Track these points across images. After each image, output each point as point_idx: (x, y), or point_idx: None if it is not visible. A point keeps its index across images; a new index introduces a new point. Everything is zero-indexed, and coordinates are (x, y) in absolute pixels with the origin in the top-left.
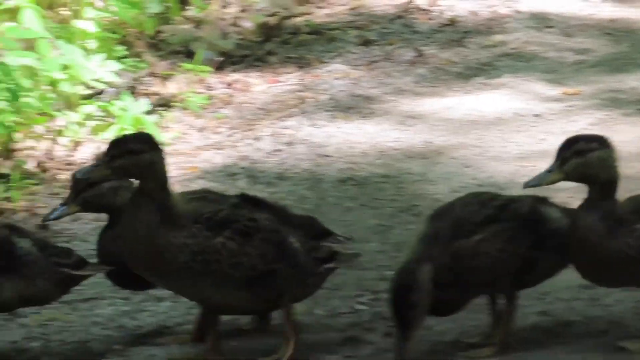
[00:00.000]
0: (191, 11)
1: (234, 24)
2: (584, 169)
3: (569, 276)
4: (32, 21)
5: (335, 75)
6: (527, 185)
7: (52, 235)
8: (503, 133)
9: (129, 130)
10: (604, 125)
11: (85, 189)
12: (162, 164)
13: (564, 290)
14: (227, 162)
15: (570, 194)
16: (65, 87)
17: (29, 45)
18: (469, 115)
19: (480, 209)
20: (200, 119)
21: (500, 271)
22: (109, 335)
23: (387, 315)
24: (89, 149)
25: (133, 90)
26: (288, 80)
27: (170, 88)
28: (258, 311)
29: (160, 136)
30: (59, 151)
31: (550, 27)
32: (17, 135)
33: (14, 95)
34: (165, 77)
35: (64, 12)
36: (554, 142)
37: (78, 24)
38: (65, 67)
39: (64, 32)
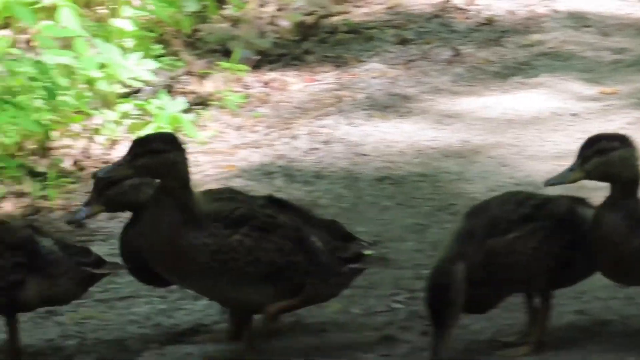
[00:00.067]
0: (228, 10)
1: (271, 23)
2: (606, 167)
3: None
4: (69, 20)
5: (373, 74)
6: (548, 183)
7: (89, 234)
8: (540, 132)
9: (166, 129)
10: None
11: (108, 188)
12: (184, 164)
13: (601, 289)
14: (264, 160)
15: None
16: (102, 86)
17: (66, 43)
18: (506, 114)
19: (517, 208)
20: (238, 117)
21: (535, 270)
22: (145, 333)
23: (423, 313)
24: (126, 148)
25: (170, 89)
26: (325, 79)
27: (207, 87)
28: None
29: (198, 134)
30: (96, 150)
31: (588, 26)
32: (54, 134)
33: (51, 93)
34: (202, 76)
35: (101, 10)
36: None
37: (115, 22)
38: (102, 66)
39: (101, 30)
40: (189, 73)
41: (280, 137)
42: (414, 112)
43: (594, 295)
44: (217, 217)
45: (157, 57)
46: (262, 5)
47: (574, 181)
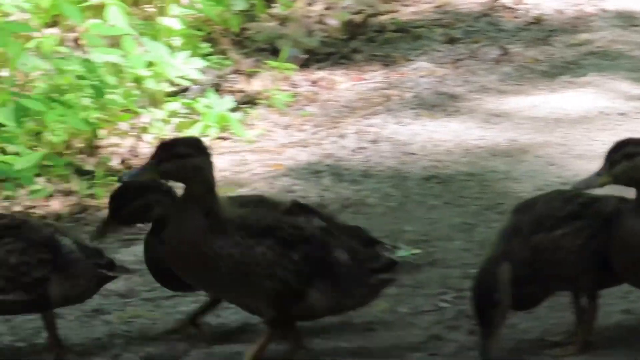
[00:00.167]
0: (276, 8)
1: (319, 22)
2: (633, 172)
3: None
4: (117, 18)
5: (421, 73)
6: (576, 187)
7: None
8: (588, 131)
9: (214, 128)
10: None
11: (120, 209)
12: (209, 169)
13: None
14: (311, 159)
15: None
16: (150, 84)
17: (114, 42)
18: (553, 113)
19: (564, 205)
20: (285, 116)
21: (581, 268)
22: (193, 332)
23: (470, 313)
24: None
25: (218, 88)
26: (373, 78)
27: (255, 85)
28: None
29: (245, 133)
30: (143, 148)
31: (636, 25)
32: (102, 132)
33: (99, 92)
34: (250, 75)
35: (149, 9)
36: None
37: (163, 21)
38: (150, 64)
39: (149, 29)
40: (236, 72)
41: (328, 136)
42: (461, 111)
43: None
44: (242, 226)
45: (205, 56)
46: (310, 4)
47: (602, 186)
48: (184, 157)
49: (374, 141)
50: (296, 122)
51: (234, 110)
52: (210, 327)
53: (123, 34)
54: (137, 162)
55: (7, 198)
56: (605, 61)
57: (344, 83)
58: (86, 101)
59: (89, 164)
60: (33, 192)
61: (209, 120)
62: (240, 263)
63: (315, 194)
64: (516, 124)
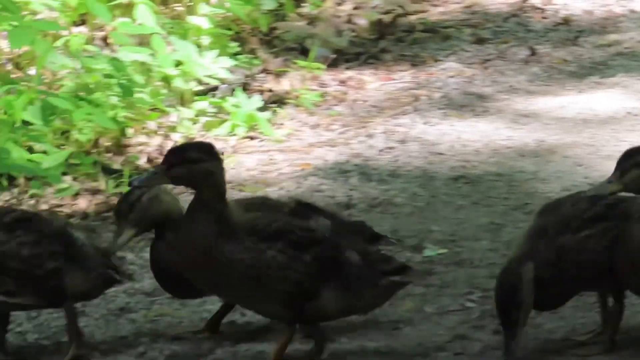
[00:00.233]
0: (305, 8)
1: (348, 21)
2: None
3: None
4: (145, 17)
5: (449, 73)
6: (586, 195)
7: None
8: (616, 132)
9: (242, 127)
10: None
11: (130, 211)
12: (220, 174)
13: None
14: (339, 159)
15: None
16: (178, 83)
17: (142, 41)
18: (582, 114)
19: (590, 207)
20: (314, 116)
21: (606, 269)
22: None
23: (495, 313)
24: None
25: (246, 87)
26: (402, 78)
27: (283, 85)
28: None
29: (274, 133)
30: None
31: None
32: (130, 131)
33: (127, 90)
34: (278, 74)
35: (178, 8)
36: None
37: (192, 20)
38: (178, 63)
39: (178, 28)
40: (265, 71)
41: (356, 135)
42: (490, 111)
43: None
44: (253, 231)
45: (233, 55)
46: (339, 4)
47: (612, 194)
48: (195, 161)
49: (402, 141)
50: (324, 121)
51: (262, 109)
52: (236, 326)
53: (151, 32)
54: None
55: (33, 196)
56: (633, 62)
57: (372, 83)
58: (114, 100)
59: (116, 163)
60: (60, 190)
61: (237, 120)
62: (252, 268)
63: (342, 193)
64: (544, 125)
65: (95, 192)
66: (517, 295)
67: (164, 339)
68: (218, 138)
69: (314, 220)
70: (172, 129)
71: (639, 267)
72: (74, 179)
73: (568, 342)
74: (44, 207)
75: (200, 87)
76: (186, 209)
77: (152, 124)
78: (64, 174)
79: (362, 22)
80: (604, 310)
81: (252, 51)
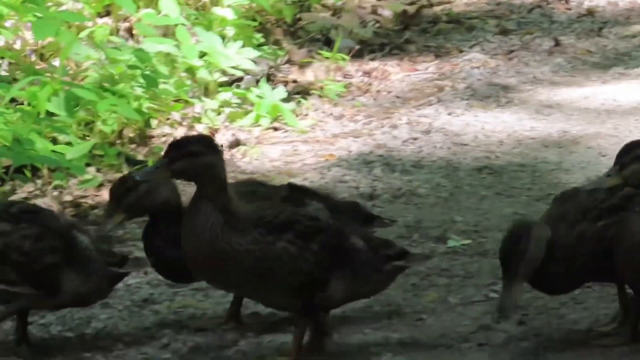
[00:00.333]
0: None
1: (373, 12)
2: None
3: None
4: (170, 8)
5: (473, 64)
6: (586, 189)
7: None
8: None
9: (266, 118)
10: None
11: (126, 195)
12: (221, 167)
13: None
14: (363, 150)
15: None
16: (203, 74)
17: (167, 32)
18: (605, 104)
19: (607, 197)
20: (338, 106)
21: None
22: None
23: (521, 303)
24: (225, 136)
25: (270, 78)
26: (426, 69)
27: (307, 76)
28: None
29: (298, 123)
30: None
31: None
32: (154, 122)
33: (151, 81)
34: (303, 65)
35: None
36: None
37: (216, 11)
38: (202, 54)
39: (202, 19)
40: (289, 62)
41: (380, 126)
42: (513, 102)
43: None
44: (260, 223)
45: (258, 46)
46: None
47: (611, 187)
48: (197, 155)
49: (426, 132)
50: (348, 112)
51: (286, 100)
52: (259, 317)
53: (176, 23)
54: None
55: (57, 187)
56: None
57: (396, 74)
58: (138, 91)
59: (140, 154)
60: (84, 181)
61: (261, 111)
62: (262, 260)
63: (366, 184)
64: (568, 115)
65: None
66: (520, 244)
67: (187, 331)
68: (242, 129)
69: (309, 204)
70: (197, 119)
71: (637, 263)
72: (98, 170)
73: (592, 333)
74: (67, 198)
75: (225, 78)
76: (188, 204)
77: (176, 115)
78: (88, 165)
79: (386, 13)
80: (623, 301)
81: (276, 42)
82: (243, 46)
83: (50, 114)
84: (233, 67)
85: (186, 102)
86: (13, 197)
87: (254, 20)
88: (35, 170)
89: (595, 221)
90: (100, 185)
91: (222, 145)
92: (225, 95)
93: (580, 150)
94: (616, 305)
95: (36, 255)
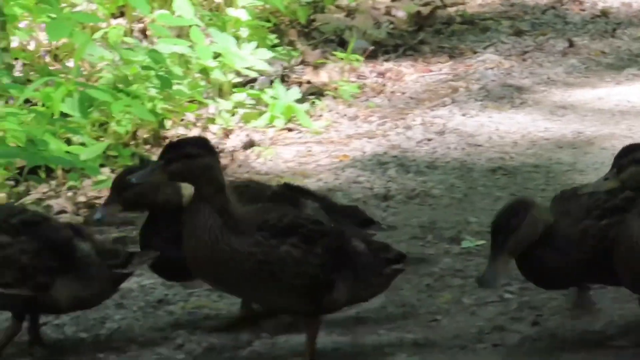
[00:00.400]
0: (344, 0)
1: (387, 13)
2: None
3: None
4: (184, 9)
5: (487, 65)
6: (582, 192)
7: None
8: None
9: (280, 119)
10: None
11: (126, 189)
12: (217, 169)
13: None
14: (377, 150)
15: None
16: (217, 75)
17: (181, 33)
18: (619, 105)
19: (609, 198)
20: (352, 107)
21: None
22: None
23: (535, 304)
24: (240, 137)
25: (285, 79)
26: (440, 70)
27: (322, 77)
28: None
29: (312, 124)
30: (210, 139)
31: None
32: (168, 123)
33: (166, 82)
34: (317, 66)
35: (217, 0)
36: None
37: (230, 12)
38: (217, 55)
39: (217, 20)
40: (304, 63)
41: (394, 127)
42: (527, 103)
43: None
44: (264, 226)
45: (272, 47)
46: None
47: (609, 190)
48: (193, 157)
49: (440, 133)
50: (362, 113)
51: (300, 101)
52: (274, 317)
53: (190, 24)
54: None
55: (71, 188)
56: None
57: (410, 75)
58: (152, 92)
59: (154, 155)
60: (98, 182)
61: (275, 111)
62: (265, 262)
63: (380, 185)
64: (582, 116)
65: None
66: (512, 218)
67: (201, 331)
68: (256, 129)
69: (303, 204)
70: (211, 120)
71: (634, 263)
72: (112, 170)
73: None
74: (81, 199)
75: (239, 79)
76: (186, 207)
77: (190, 116)
78: (102, 165)
79: (400, 14)
80: None
81: (290, 43)
82: (257, 47)
83: (64, 115)
84: (247, 68)
85: (200, 103)
86: (27, 198)
87: (268, 21)
88: (49, 171)
89: (599, 219)
90: None
91: (218, 147)
92: (240, 96)
93: (594, 151)
94: (631, 307)
95: (32, 270)
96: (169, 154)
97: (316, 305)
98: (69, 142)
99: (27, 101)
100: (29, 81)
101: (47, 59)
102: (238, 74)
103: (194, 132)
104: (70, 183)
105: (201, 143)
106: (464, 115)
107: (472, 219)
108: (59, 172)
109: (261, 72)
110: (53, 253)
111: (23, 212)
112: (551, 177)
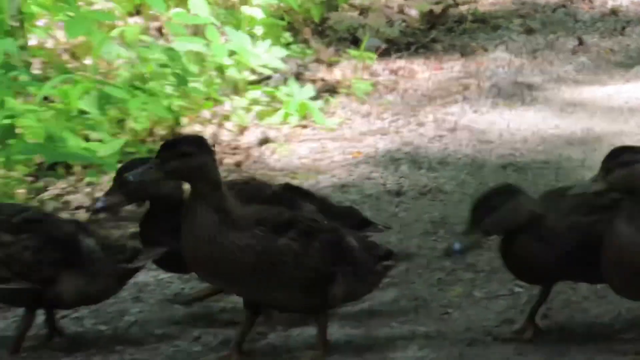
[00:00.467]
0: None
1: (400, 12)
2: (628, 180)
3: None
4: (199, 7)
5: (498, 63)
6: (571, 194)
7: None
8: None
9: (295, 116)
10: None
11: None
12: (213, 166)
13: None
14: (390, 147)
15: None
16: (232, 73)
17: (197, 31)
18: (629, 103)
19: (598, 197)
20: (365, 105)
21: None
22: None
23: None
24: (254, 134)
25: (299, 76)
26: (452, 68)
27: (335, 74)
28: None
29: (325, 121)
30: (225, 136)
31: None
32: (184, 120)
33: (182, 80)
34: (330, 64)
35: None
36: None
37: (245, 10)
38: (232, 53)
39: (232, 18)
40: (317, 61)
41: (406, 124)
42: (538, 100)
43: None
44: (262, 222)
45: (286, 45)
46: None
47: (596, 193)
48: (189, 155)
49: (452, 129)
50: (376, 110)
51: (314, 98)
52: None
53: (206, 23)
54: (218, 150)
55: (89, 184)
56: None
57: (423, 72)
58: (169, 89)
59: None
60: None
61: (289, 109)
62: (263, 253)
63: (393, 181)
64: (591, 114)
65: None
66: (494, 197)
67: (218, 324)
68: (271, 126)
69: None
70: (226, 117)
71: (622, 267)
72: None
73: (615, 327)
74: (98, 195)
75: (254, 77)
76: (184, 206)
77: (206, 113)
78: (120, 162)
79: (413, 12)
80: None
81: (304, 41)
82: (272, 45)
83: (82, 112)
84: (262, 66)
85: (216, 100)
86: (45, 194)
87: (283, 19)
88: (68, 168)
89: (588, 215)
90: None
91: (214, 145)
92: (255, 93)
93: (603, 147)
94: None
95: (36, 267)
96: (165, 152)
97: (320, 300)
98: (87, 138)
99: (45, 98)
100: (47, 79)
101: (65, 56)
102: (253, 71)
103: (210, 129)
104: (88, 179)
105: (197, 141)
106: (475, 112)
107: None
108: (77, 169)
109: (276, 70)
110: (57, 248)
111: (25, 210)
112: (561, 174)
